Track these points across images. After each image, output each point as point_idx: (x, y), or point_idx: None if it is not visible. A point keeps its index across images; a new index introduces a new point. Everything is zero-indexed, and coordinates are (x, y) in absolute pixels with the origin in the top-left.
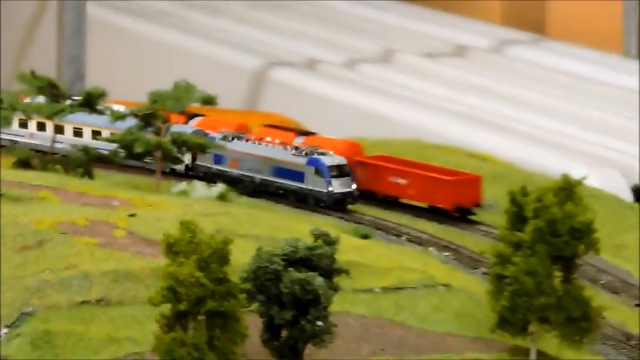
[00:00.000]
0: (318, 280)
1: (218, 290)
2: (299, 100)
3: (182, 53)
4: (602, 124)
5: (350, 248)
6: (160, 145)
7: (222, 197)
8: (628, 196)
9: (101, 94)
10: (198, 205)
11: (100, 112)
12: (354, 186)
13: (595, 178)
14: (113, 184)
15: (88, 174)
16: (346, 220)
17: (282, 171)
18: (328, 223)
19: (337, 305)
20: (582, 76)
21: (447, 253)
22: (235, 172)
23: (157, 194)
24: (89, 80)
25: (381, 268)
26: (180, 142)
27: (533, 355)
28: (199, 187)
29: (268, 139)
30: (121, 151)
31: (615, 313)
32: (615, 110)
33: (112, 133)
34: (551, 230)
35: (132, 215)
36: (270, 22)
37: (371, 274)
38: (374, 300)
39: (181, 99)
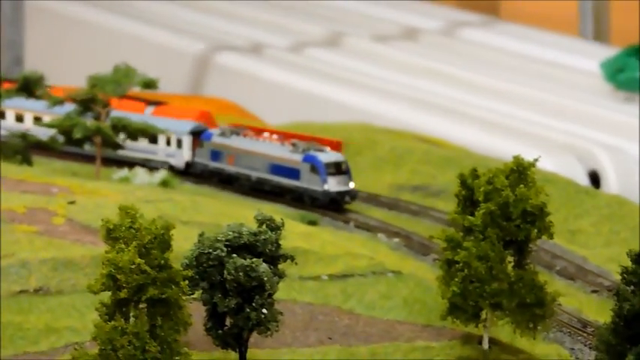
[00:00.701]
0: (263, 267)
1: (159, 277)
2: (244, 84)
3: (124, 38)
4: (558, 108)
5: (296, 235)
6: (100, 130)
7: (164, 184)
8: (584, 181)
9: (39, 79)
10: (140, 191)
11: (38, 97)
12: (352, 184)
13: (550, 163)
14: (52, 171)
15: (27, 161)
16: (293, 207)
17: (279, 168)
18: (274, 210)
19: (283, 293)
20: (537, 59)
21: (396, 240)
22: (232, 169)
23: (98, 181)
24: (28, 66)
25: (329, 255)
26: (121, 127)
27: (485, 343)
28: (141, 174)
29: (266, 134)
30: (60, 136)
31: (571, 299)
32: (571, 94)
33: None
34: (502, 214)
35: (71, 202)
36: (215, 6)
37: (318, 261)
38: (321, 287)
39: (121, 83)
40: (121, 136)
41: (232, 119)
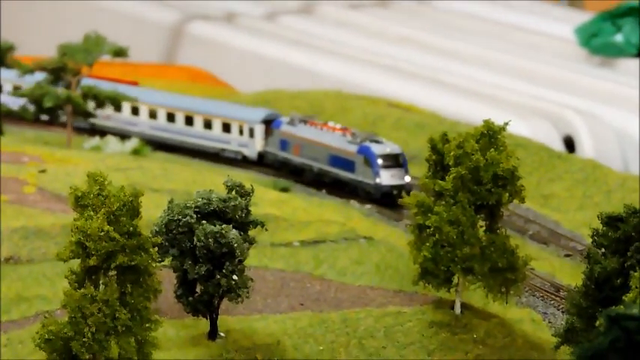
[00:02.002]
0: (233, 233)
1: (129, 244)
2: (217, 53)
3: (98, 8)
4: (532, 73)
5: (268, 202)
6: (70, 99)
7: (136, 152)
8: (559, 147)
9: (9, 48)
10: (111, 159)
11: (8, 66)
12: (407, 178)
13: (524, 128)
14: (23, 140)
15: None
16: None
17: (337, 160)
18: (246, 177)
19: (255, 260)
20: (511, 25)
21: (368, 206)
22: (297, 160)
23: (68, 150)
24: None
25: (300, 222)
26: (92, 96)
27: (457, 308)
28: (112, 142)
29: (330, 123)
30: (31, 105)
31: (544, 263)
32: (546, 59)
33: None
34: (473, 178)
35: (42, 171)
36: None
37: (289, 228)
38: (293, 254)
39: (91, 51)
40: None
41: (205, 88)
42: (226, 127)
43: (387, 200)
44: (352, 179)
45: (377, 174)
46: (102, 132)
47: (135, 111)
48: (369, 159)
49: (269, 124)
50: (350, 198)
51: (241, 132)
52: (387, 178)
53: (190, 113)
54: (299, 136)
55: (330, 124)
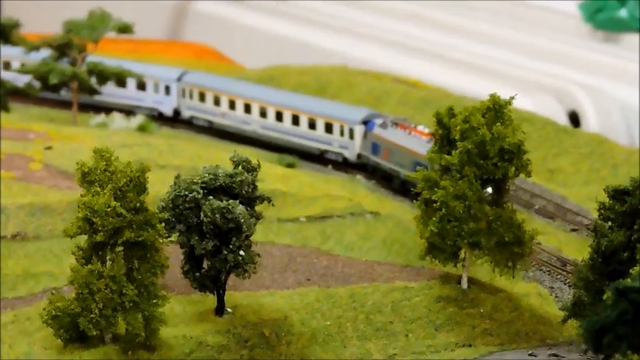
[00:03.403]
0: (239, 208)
1: (135, 220)
2: (222, 30)
3: None
4: (537, 49)
5: (274, 177)
6: (76, 76)
7: (141, 128)
8: (564, 121)
9: (14, 25)
10: (117, 136)
11: (14, 44)
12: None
13: (529, 103)
14: (29, 117)
15: (4, 107)
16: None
17: (421, 167)
18: (251, 153)
19: (261, 235)
20: (516, 0)
21: (374, 181)
22: (386, 165)
23: (75, 126)
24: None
25: (307, 197)
26: (97, 72)
27: (464, 282)
28: (118, 119)
29: (420, 127)
30: (36, 82)
31: (550, 238)
32: (550, 35)
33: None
34: (479, 152)
35: (48, 148)
36: None
37: (296, 203)
38: (299, 229)
39: (96, 27)
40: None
41: (210, 65)
42: (328, 128)
43: None
44: None
45: None
46: (220, 131)
47: (248, 109)
48: None
49: (366, 124)
50: None
51: (342, 133)
52: None
53: (297, 112)
54: (388, 140)
55: (420, 128)
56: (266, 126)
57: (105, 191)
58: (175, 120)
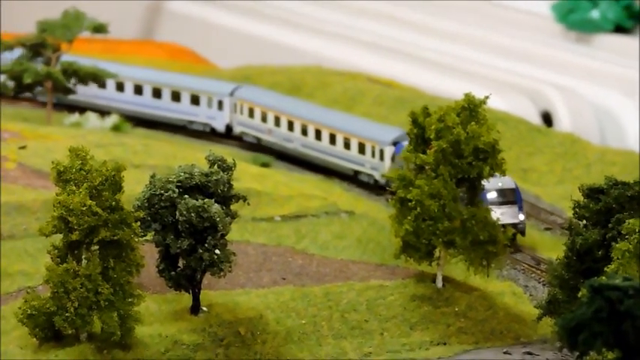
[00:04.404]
0: (215, 207)
1: (111, 219)
2: (197, 29)
3: None
4: (509, 49)
5: (249, 176)
6: (50, 75)
7: (116, 128)
8: (537, 122)
9: None
10: (92, 135)
11: None
12: (521, 216)
13: (502, 104)
14: (3, 117)
15: None
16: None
17: None
18: (226, 152)
19: (237, 234)
20: (488, 1)
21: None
22: None
23: (49, 126)
24: None
25: (282, 196)
26: (72, 72)
27: (439, 281)
28: (93, 119)
29: None
30: (10, 82)
31: (524, 237)
32: (523, 35)
33: None
34: (454, 151)
35: (22, 147)
36: None
37: (271, 202)
38: (274, 228)
39: (71, 27)
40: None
41: (185, 65)
42: (362, 148)
43: None
44: None
45: None
46: (270, 149)
47: (290, 127)
48: None
49: (396, 145)
50: None
51: (373, 154)
52: (497, 216)
53: (319, 126)
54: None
55: None
56: (306, 144)
57: (80, 190)
58: (228, 137)
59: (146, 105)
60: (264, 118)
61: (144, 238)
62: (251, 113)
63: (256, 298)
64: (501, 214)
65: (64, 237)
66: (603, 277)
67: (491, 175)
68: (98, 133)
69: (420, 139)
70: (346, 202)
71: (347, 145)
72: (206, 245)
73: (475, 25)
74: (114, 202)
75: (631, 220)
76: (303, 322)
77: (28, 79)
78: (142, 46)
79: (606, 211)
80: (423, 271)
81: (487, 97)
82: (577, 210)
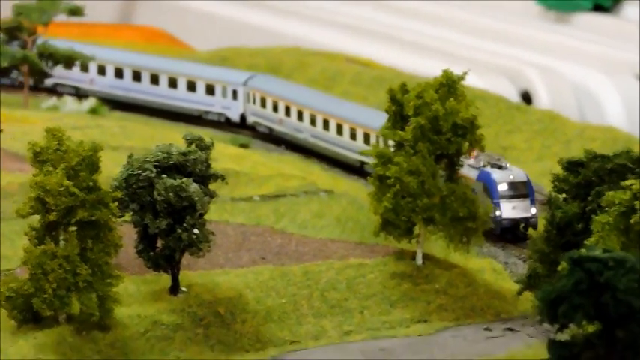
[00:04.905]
0: (193, 187)
1: (88, 199)
2: (174, 13)
3: None
4: (489, 30)
5: (227, 157)
6: (27, 59)
7: (93, 111)
8: (517, 101)
9: None
10: (69, 118)
11: None
12: (533, 210)
13: (482, 84)
14: None
15: None
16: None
17: None
18: (205, 133)
19: (215, 215)
20: None
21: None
22: None
23: (26, 110)
24: None
25: (260, 176)
26: (48, 55)
27: (419, 259)
28: (70, 102)
29: None
30: None
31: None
32: (502, 16)
33: None
34: (433, 128)
35: None
36: None
37: (249, 182)
38: (253, 208)
39: (47, 10)
40: None
41: (162, 48)
42: (367, 139)
43: (506, 235)
44: None
45: (497, 205)
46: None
47: (300, 116)
48: (488, 187)
49: None
50: None
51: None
52: (508, 210)
53: (341, 121)
54: None
55: None
56: (315, 134)
57: (57, 171)
58: (243, 126)
59: (161, 95)
60: (275, 108)
61: (122, 218)
62: (263, 103)
63: (235, 278)
64: (513, 208)
65: (42, 218)
66: (583, 250)
67: (470, 151)
68: (75, 116)
69: (398, 116)
70: (325, 181)
71: (353, 136)
72: (184, 225)
73: (454, 6)
74: (91, 183)
75: (610, 193)
76: (283, 301)
77: (4, 63)
78: (118, 29)
79: (586, 184)
80: (402, 249)
81: (465, 73)
82: (556, 183)
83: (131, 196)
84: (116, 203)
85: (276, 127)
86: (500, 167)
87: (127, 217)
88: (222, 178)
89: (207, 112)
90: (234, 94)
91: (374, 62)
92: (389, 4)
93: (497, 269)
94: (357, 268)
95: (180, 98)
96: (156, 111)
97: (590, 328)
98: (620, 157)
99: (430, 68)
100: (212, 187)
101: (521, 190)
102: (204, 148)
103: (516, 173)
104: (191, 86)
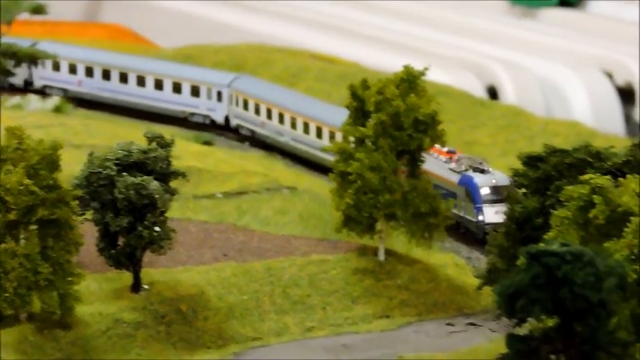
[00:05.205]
0: (154, 184)
1: (49, 198)
2: (139, 10)
3: None
4: (455, 25)
5: (190, 154)
6: None
7: (57, 109)
8: (483, 96)
9: None
10: (32, 117)
11: None
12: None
13: (448, 79)
14: None
15: None
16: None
17: (439, 190)
18: (167, 131)
19: (177, 212)
20: None
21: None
22: None
23: None
24: None
25: (223, 173)
26: (11, 54)
27: (381, 255)
28: (33, 100)
29: (436, 145)
30: None
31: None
32: (468, 11)
33: None
34: (394, 123)
35: None
36: None
37: (212, 180)
38: (216, 205)
39: (10, 9)
40: None
41: (127, 45)
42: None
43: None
44: (454, 215)
45: (479, 210)
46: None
47: (281, 119)
48: (470, 191)
49: None
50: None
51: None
52: (491, 215)
53: (320, 124)
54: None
55: (436, 146)
56: (296, 138)
57: (17, 169)
58: (227, 129)
59: (148, 97)
60: (257, 111)
61: (83, 216)
62: (245, 105)
63: (197, 275)
64: (495, 213)
65: (2, 217)
66: (541, 244)
67: (431, 147)
68: (38, 115)
69: (359, 112)
70: (288, 178)
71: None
72: (145, 223)
73: (420, 2)
74: (51, 181)
75: (569, 187)
76: (245, 297)
77: None
78: (83, 27)
79: (545, 179)
80: (364, 245)
81: (426, 69)
82: (516, 178)
83: (92, 194)
84: (77, 201)
85: (259, 130)
86: (482, 171)
87: (88, 215)
88: (184, 175)
89: (192, 115)
90: (219, 95)
91: (338, 58)
92: (355, 0)
93: (459, 264)
94: (320, 265)
95: (166, 100)
96: (139, 112)
97: (549, 323)
98: (579, 152)
99: (395, 64)
100: (174, 184)
101: (503, 194)
102: (165, 145)
103: (499, 177)
104: (176, 88)
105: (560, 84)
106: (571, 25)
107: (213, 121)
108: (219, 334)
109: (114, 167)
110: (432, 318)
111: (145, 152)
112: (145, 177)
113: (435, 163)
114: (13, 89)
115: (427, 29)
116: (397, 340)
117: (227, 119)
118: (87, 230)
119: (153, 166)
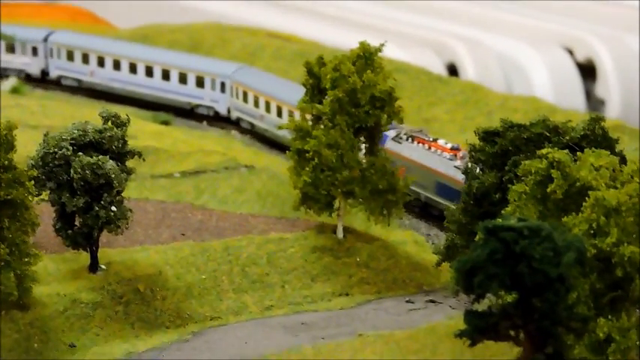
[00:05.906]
0: (110, 164)
1: (4, 178)
2: None
3: None
4: (414, 3)
5: (147, 134)
6: None
7: (14, 90)
8: (443, 74)
9: None
10: None
11: None
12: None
13: (407, 57)
14: None
15: None
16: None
17: (444, 189)
18: (123, 110)
19: (135, 192)
20: None
21: (249, 135)
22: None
23: None
24: None
25: (181, 153)
26: None
27: (340, 232)
28: None
29: (441, 141)
30: None
31: None
32: None
33: None
34: (351, 100)
35: None
36: None
37: (170, 159)
38: (173, 185)
39: None
40: None
41: (85, 27)
42: None
43: None
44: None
45: None
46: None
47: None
48: None
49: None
50: None
51: None
52: None
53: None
54: (403, 156)
55: (441, 142)
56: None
57: None
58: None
59: (155, 87)
60: (256, 103)
61: (39, 197)
62: (245, 97)
63: (155, 255)
64: None
65: None
66: (498, 219)
67: (389, 123)
68: None
69: (315, 89)
70: (246, 156)
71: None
72: (102, 202)
73: None
74: (6, 162)
75: (527, 162)
76: (204, 277)
77: None
78: (41, 9)
79: (502, 154)
80: (323, 223)
81: (382, 45)
82: (473, 154)
83: (48, 175)
84: (32, 182)
85: (257, 123)
86: None
87: (45, 195)
88: (139, 154)
89: (197, 106)
90: (222, 86)
91: (295, 37)
92: None
93: (418, 241)
94: (278, 243)
95: (172, 91)
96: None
97: (508, 298)
98: (536, 126)
99: (353, 42)
100: (131, 164)
101: None
102: (121, 124)
103: None
104: (182, 79)
105: (521, 61)
106: (531, 2)
107: (217, 113)
108: (177, 313)
109: (69, 147)
110: (392, 295)
111: (100, 132)
112: (101, 156)
113: (440, 161)
114: (29, 79)
115: (387, 7)
116: (356, 318)
117: (229, 111)
118: (43, 211)
119: (108, 145)
